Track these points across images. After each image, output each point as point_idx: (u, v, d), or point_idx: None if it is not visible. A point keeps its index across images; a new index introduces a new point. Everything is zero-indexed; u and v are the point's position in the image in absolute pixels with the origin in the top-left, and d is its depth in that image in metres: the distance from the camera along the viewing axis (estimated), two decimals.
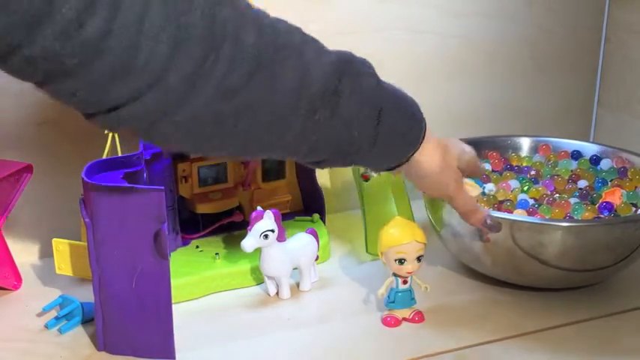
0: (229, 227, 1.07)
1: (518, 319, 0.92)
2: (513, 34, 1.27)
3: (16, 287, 0.99)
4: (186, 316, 0.93)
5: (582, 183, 1.07)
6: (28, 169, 0.98)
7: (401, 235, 0.88)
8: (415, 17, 1.19)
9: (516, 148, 1.16)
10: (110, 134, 0.98)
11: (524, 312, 0.94)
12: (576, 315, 0.93)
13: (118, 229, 0.81)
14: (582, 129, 1.37)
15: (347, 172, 1.14)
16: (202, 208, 1.03)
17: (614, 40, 1.32)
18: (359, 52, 1.17)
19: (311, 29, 1.12)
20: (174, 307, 0.87)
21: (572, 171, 1.10)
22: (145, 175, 0.92)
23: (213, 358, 0.86)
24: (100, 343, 0.86)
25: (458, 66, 1.25)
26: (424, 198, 1.02)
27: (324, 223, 1.11)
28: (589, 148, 1.14)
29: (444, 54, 1.23)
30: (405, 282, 0.90)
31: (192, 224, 1.07)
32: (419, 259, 0.89)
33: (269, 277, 0.97)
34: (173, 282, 0.95)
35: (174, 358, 0.85)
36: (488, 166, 1.11)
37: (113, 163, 0.88)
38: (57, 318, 0.90)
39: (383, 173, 1.09)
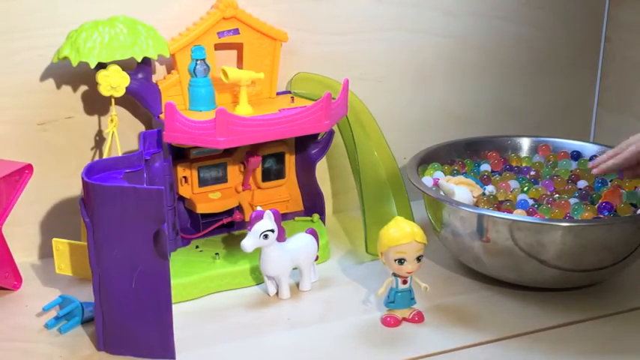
0: (229, 227, 1.07)
1: (517, 319, 0.92)
2: (512, 34, 1.27)
3: (16, 287, 0.99)
4: (186, 316, 0.93)
5: (582, 183, 1.07)
6: (28, 169, 0.98)
7: (401, 235, 0.88)
8: (413, 18, 1.19)
9: (516, 149, 1.16)
10: (110, 134, 0.98)
11: (524, 312, 0.94)
12: (576, 315, 0.93)
13: (118, 229, 0.81)
14: (582, 129, 1.37)
15: (347, 173, 1.14)
16: (202, 208, 1.03)
17: (614, 40, 1.32)
18: (357, 52, 1.18)
19: (311, 29, 1.13)
20: (174, 307, 0.87)
21: (571, 171, 1.10)
22: (145, 175, 0.92)
23: (213, 358, 0.86)
24: (100, 342, 0.86)
25: (456, 66, 1.25)
26: (424, 198, 1.02)
27: (324, 223, 1.11)
28: (589, 148, 1.14)
29: (442, 54, 1.23)
30: (404, 282, 0.90)
31: (192, 224, 1.07)
32: (419, 259, 0.89)
33: (269, 277, 0.97)
34: (173, 282, 0.95)
35: (174, 358, 0.85)
36: (487, 167, 1.11)
37: (113, 163, 0.88)
38: (57, 318, 0.90)
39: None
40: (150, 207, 0.79)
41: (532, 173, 1.10)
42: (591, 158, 1.11)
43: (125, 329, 0.85)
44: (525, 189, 1.05)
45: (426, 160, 1.10)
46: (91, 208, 0.82)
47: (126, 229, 0.80)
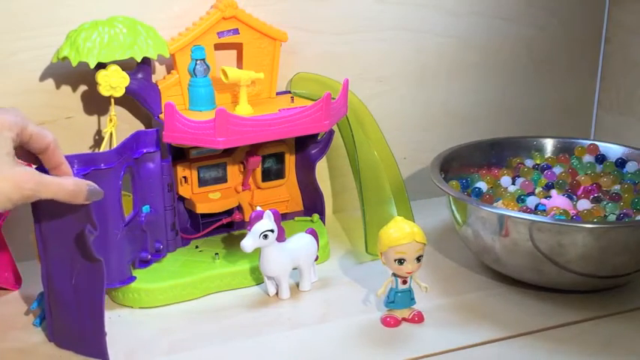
0: (229, 227, 1.07)
1: (519, 319, 0.92)
2: (513, 34, 1.27)
3: (16, 287, 0.99)
4: (186, 316, 0.93)
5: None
6: None
7: (400, 235, 0.88)
8: (414, 17, 1.19)
9: (541, 149, 1.15)
10: (108, 134, 0.98)
11: (527, 311, 0.94)
12: (579, 314, 0.93)
13: (57, 224, 0.81)
14: (582, 129, 1.37)
15: (347, 172, 1.14)
16: (202, 208, 1.03)
17: (614, 40, 1.32)
18: (357, 52, 1.18)
19: (311, 29, 1.13)
20: (174, 307, 0.87)
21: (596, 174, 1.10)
22: (120, 174, 0.90)
23: (213, 358, 0.86)
24: (50, 333, 0.87)
25: (457, 66, 1.25)
26: (448, 197, 1.00)
27: (324, 223, 1.11)
28: (615, 150, 1.13)
29: (443, 54, 1.23)
30: (404, 282, 0.90)
31: (192, 224, 1.07)
32: (418, 259, 0.89)
33: (269, 277, 0.97)
34: (173, 282, 0.95)
35: (107, 359, 0.84)
36: (508, 181, 1.09)
37: (83, 159, 0.87)
38: (40, 316, 0.91)
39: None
40: (74, 205, 0.78)
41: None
42: (617, 161, 1.11)
43: (67, 324, 0.85)
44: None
45: (449, 160, 1.09)
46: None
47: (63, 225, 0.80)
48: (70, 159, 0.82)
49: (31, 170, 0.74)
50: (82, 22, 0.95)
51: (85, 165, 0.87)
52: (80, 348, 0.85)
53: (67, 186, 0.76)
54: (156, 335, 0.89)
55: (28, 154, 0.77)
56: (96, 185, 0.78)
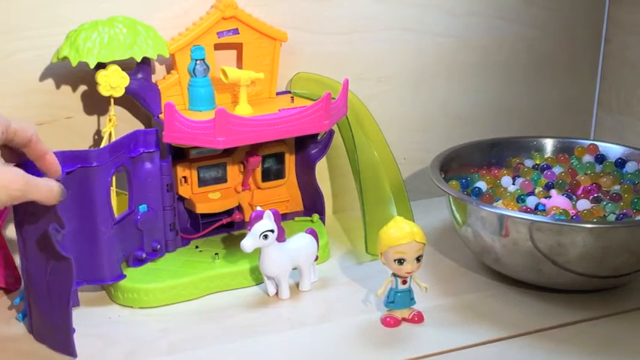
0: (229, 227, 1.07)
1: (519, 319, 0.92)
2: (513, 34, 1.27)
3: (16, 287, 0.99)
4: (186, 316, 0.93)
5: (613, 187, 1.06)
6: None
7: (400, 235, 0.88)
8: (414, 17, 1.19)
9: (540, 149, 1.15)
10: (107, 134, 0.98)
11: (527, 311, 0.94)
12: (579, 314, 0.93)
13: (33, 223, 0.82)
14: (582, 129, 1.37)
15: (347, 172, 1.14)
16: (202, 208, 1.03)
17: (614, 40, 1.32)
18: (358, 52, 1.18)
19: (311, 29, 1.13)
20: (174, 307, 0.86)
21: (596, 174, 1.09)
22: (110, 171, 0.91)
23: (212, 358, 0.86)
24: (30, 325, 0.89)
25: (457, 66, 1.25)
26: (448, 197, 1.00)
27: (324, 223, 1.11)
28: (615, 150, 1.13)
29: (443, 54, 1.23)
30: (404, 282, 0.90)
31: (191, 224, 1.07)
32: (418, 259, 0.89)
33: (268, 277, 0.97)
34: (173, 282, 0.95)
35: (75, 356, 0.85)
36: (508, 181, 1.09)
37: (69, 156, 0.87)
38: (23, 312, 0.91)
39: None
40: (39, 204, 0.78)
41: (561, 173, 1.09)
42: (616, 161, 1.10)
43: (42, 320, 0.86)
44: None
45: (449, 160, 1.09)
46: None
47: (38, 223, 0.81)
48: (57, 155, 0.82)
49: (19, 171, 0.74)
50: (82, 22, 0.95)
51: (71, 162, 0.87)
52: (52, 343, 0.86)
53: (55, 187, 0.77)
54: (156, 335, 0.89)
55: (11, 152, 0.78)
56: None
